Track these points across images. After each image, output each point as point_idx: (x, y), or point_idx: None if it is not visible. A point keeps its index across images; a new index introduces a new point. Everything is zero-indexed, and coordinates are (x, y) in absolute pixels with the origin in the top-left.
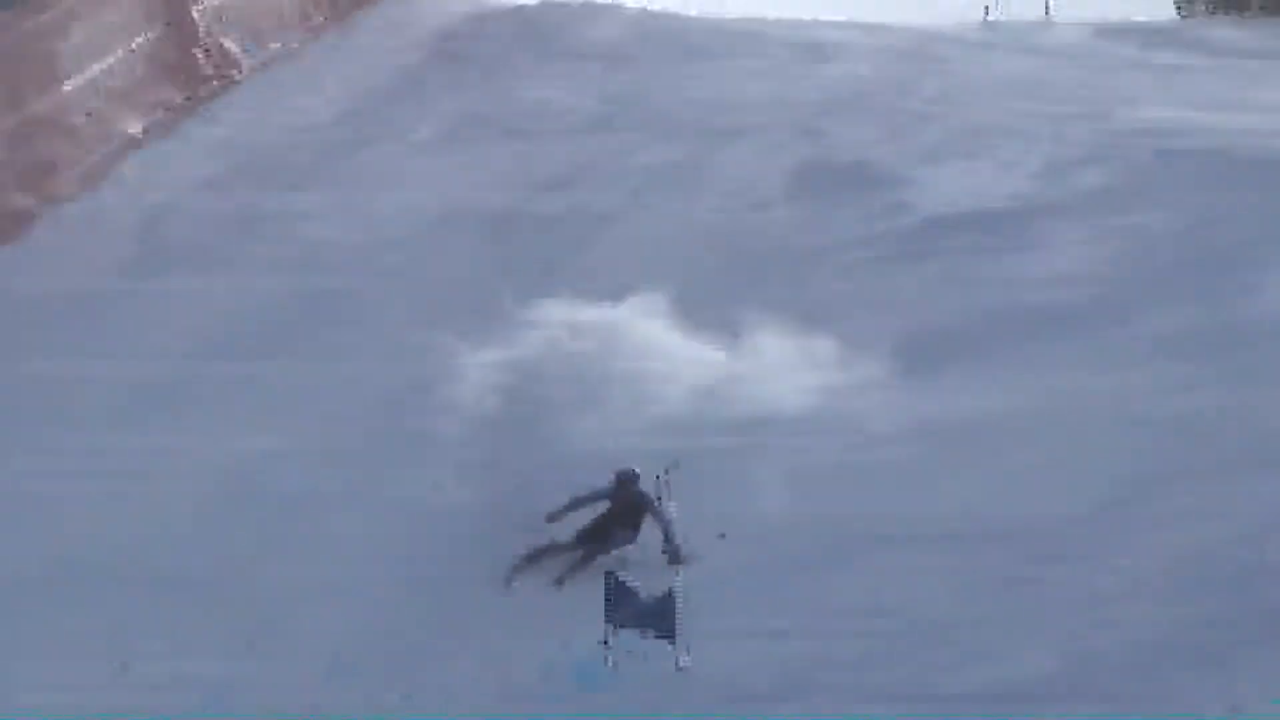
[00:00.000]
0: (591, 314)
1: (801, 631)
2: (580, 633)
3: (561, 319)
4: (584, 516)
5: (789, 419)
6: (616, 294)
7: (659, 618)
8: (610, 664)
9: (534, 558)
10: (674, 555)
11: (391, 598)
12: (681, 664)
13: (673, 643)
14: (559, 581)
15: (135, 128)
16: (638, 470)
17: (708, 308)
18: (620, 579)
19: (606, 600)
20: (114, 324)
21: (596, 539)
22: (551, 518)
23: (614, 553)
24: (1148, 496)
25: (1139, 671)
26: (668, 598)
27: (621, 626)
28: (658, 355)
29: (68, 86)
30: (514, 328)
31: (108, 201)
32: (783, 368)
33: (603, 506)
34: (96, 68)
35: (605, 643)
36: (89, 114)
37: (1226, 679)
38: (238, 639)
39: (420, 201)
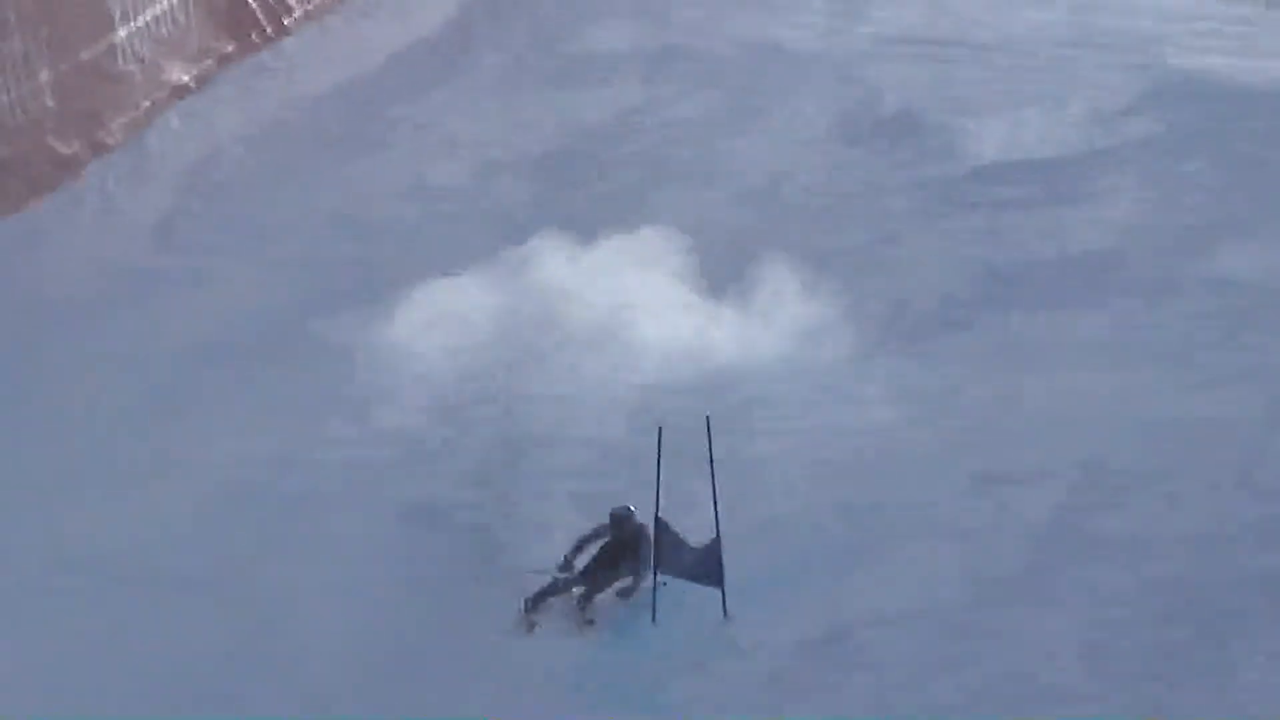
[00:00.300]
0: (618, 267)
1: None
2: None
3: (588, 266)
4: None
5: (819, 378)
6: (648, 249)
7: (706, 567)
8: (654, 619)
9: (541, 597)
10: (625, 593)
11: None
12: (729, 613)
13: (721, 590)
14: (589, 622)
15: (184, 76)
16: (632, 508)
17: (744, 259)
18: (669, 526)
19: (656, 550)
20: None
21: (597, 574)
22: (564, 566)
23: (616, 585)
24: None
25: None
26: (714, 545)
27: (671, 575)
28: (671, 311)
29: (118, 34)
30: (536, 274)
31: (154, 149)
32: (815, 329)
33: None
34: (147, 15)
35: (664, 584)
36: (139, 61)
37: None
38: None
39: (464, 154)
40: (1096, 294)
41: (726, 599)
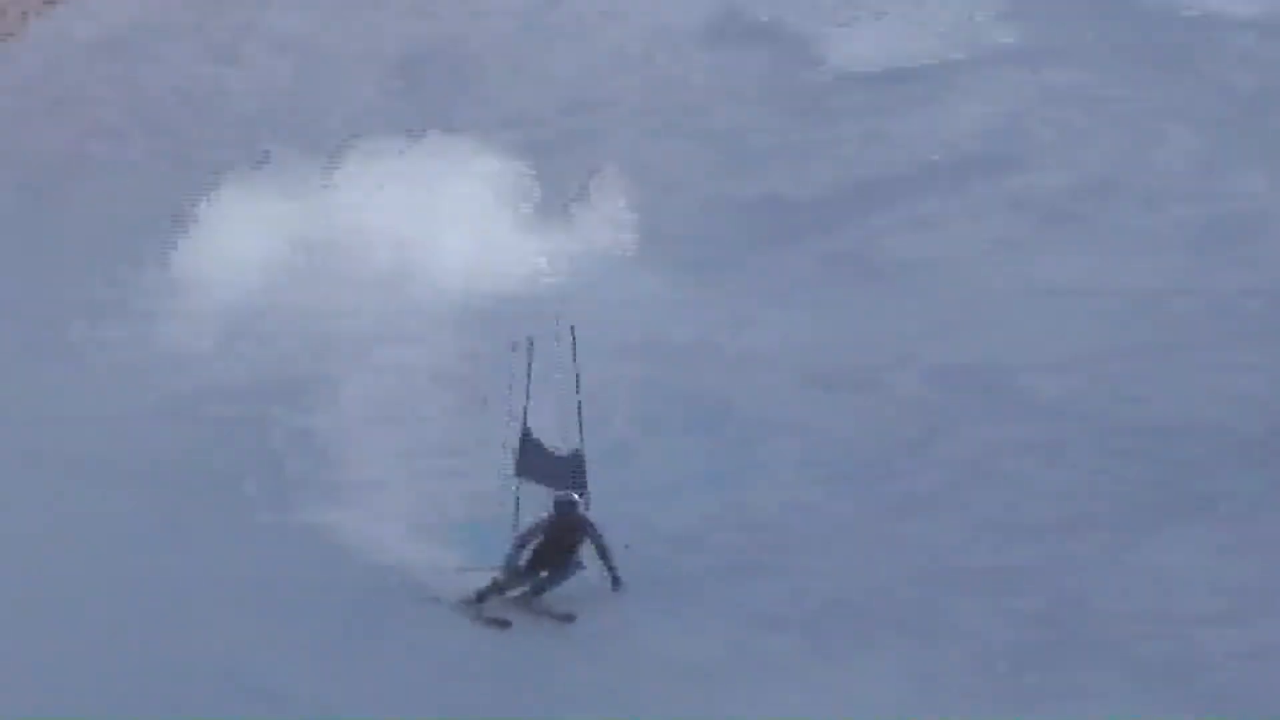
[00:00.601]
0: (442, 174)
1: None
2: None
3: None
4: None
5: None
6: (478, 155)
7: (569, 474)
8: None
9: (484, 597)
10: (616, 580)
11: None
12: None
13: (583, 494)
14: (563, 616)
15: None
16: (576, 496)
17: (586, 167)
18: (532, 435)
19: (519, 457)
20: None
21: (540, 572)
22: (506, 570)
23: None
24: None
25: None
26: (577, 455)
27: (533, 481)
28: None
29: None
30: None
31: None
32: (654, 239)
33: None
34: None
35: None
36: None
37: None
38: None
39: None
40: (957, 200)
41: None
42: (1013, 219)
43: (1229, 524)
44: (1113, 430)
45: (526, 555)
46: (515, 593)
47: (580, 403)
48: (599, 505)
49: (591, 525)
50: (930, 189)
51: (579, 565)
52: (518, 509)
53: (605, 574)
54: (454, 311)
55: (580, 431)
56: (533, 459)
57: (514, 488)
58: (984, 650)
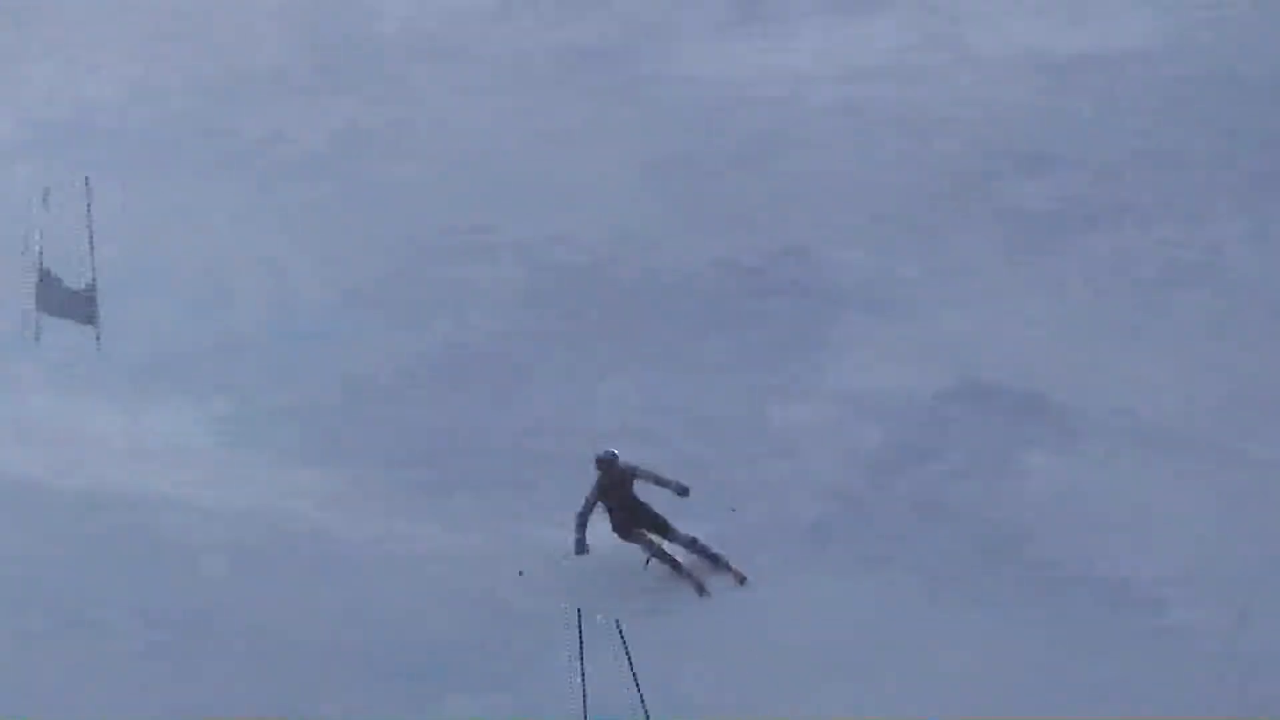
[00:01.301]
0: None
1: None
2: None
3: None
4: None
5: None
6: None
7: (82, 305)
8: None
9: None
10: (681, 489)
11: None
12: None
13: (95, 327)
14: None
15: None
16: (614, 450)
17: None
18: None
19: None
20: None
21: (645, 530)
22: (579, 545)
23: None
24: None
25: None
26: (90, 288)
27: (49, 314)
28: None
29: None
30: None
31: None
32: None
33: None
34: None
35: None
36: None
37: None
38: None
39: None
40: None
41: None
42: None
43: None
44: None
45: (629, 529)
46: (666, 547)
47: (670, 486)
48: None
49: (635, 468)
50: None
51: (681, 490)
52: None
53: (675, 489)
54: None
55: (92, 270)
56: (47, 291)
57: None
58: None
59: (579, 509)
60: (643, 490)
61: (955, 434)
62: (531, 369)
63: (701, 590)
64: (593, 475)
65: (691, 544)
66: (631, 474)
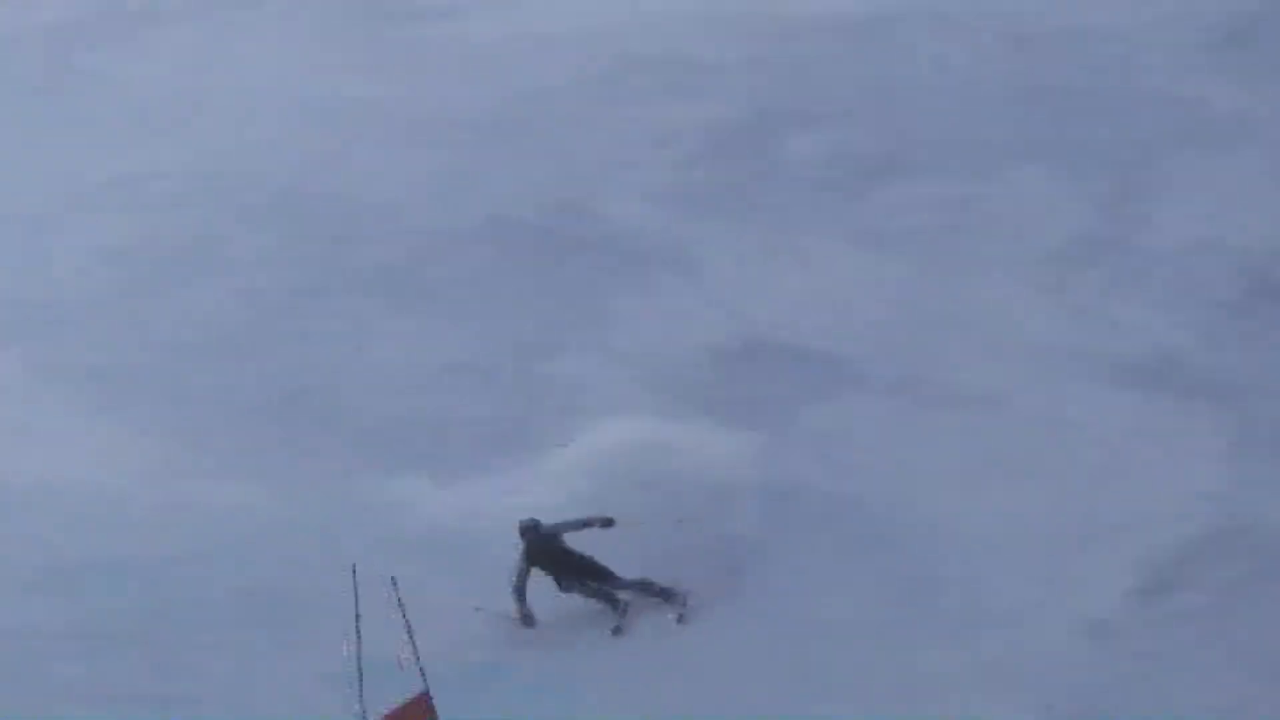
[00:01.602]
0: None
1: None
2: None
3: None
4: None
5: None
6: None
7: None
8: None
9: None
10: (605, 522)
11: None
12: None
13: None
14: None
15: None
16: (535, 517)
17: None
18: None
19: None
20: None
21: (590, 581)
22: (525, 618)
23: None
24: None
25: None
26: None
27: None
28: None
29: None
30: None
31: None
32: None
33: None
34: None
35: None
36: None
37: None
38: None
39: None
40: None
41: None
42: None
43: None
44: None
45: (569, 583)
46: (618, 594)
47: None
48: None
49: (554, 526)
50: None
51: (605, 523)
52: None
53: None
54: None
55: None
56: None
57: None
58: None
59: (512, 582)
60: (576, 539)
61: (733, 390)
62: (307, 331)
63: (617, 629)
64: (518, 545)
65: (645, 587)
66: (554, 534)
